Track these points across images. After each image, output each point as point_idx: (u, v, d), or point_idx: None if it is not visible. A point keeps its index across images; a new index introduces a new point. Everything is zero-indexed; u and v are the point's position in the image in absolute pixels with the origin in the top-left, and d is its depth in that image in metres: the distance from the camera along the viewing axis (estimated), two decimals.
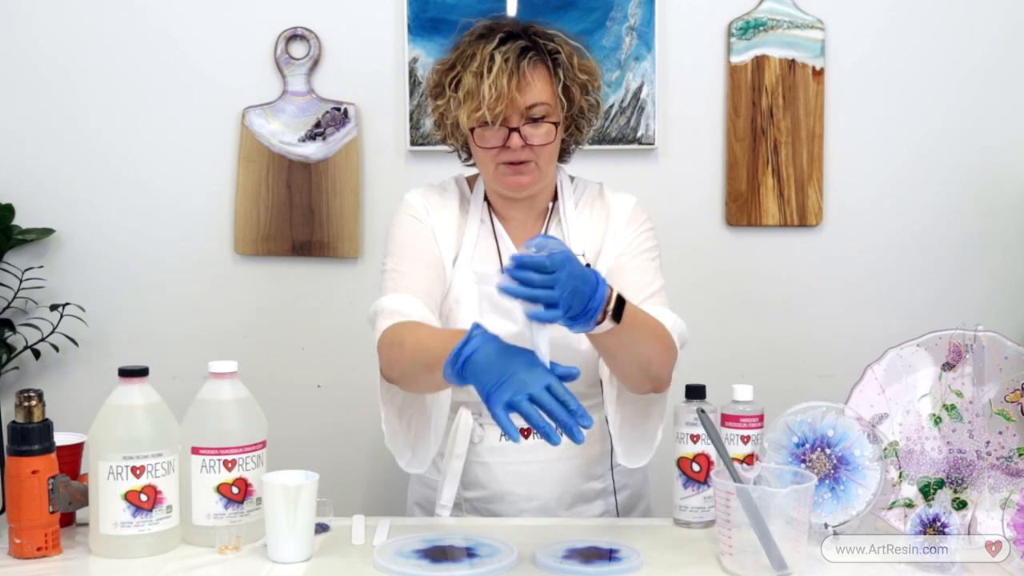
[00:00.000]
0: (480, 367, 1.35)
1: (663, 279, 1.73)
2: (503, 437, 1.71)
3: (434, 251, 1.72)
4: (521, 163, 1.65)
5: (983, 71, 2.51)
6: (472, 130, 1.65)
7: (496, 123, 1.62)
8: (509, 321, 1.67)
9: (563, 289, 1.34)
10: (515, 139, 1.63)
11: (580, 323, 1.40)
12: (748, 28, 2.49)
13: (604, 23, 2.47)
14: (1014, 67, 2.52)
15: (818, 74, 2.50)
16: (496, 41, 1.63)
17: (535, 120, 1.64)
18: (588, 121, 1.74)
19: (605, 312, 1.42)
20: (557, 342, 1.46)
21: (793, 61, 2.50)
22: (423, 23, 2.47)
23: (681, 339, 1.66)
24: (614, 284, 1.67)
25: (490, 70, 1.60)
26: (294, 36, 2.51)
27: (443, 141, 1.76)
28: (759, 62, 2.50)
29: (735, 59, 2.50)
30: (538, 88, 1.63)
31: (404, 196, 1.78)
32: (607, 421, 1.69)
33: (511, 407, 1.31)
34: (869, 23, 2.51)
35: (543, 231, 1.76)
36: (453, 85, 1.65)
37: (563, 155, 1.79)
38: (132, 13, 2.51)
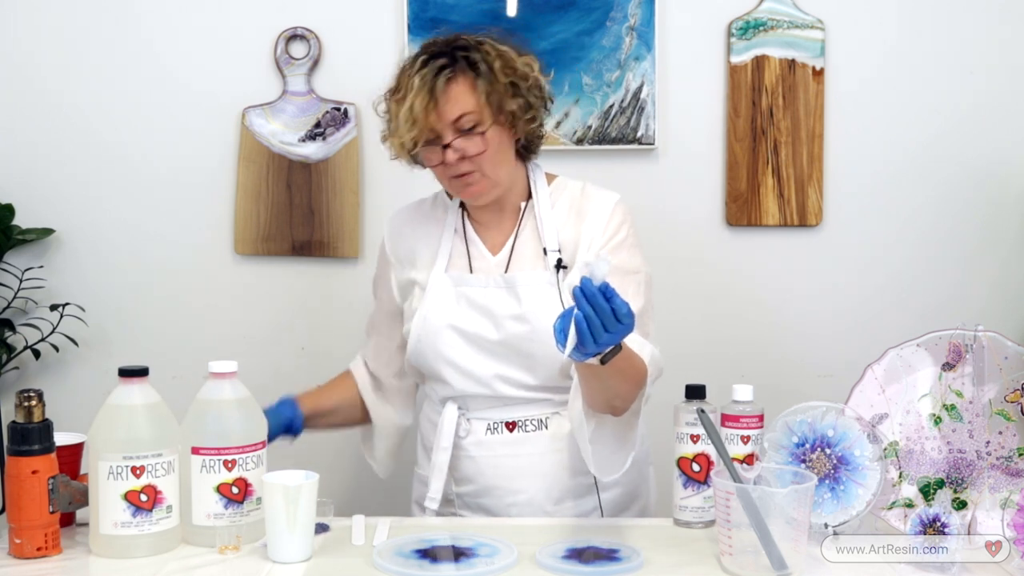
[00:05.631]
0: None
1: (643, 298, 1.73)
2: (489, 431, 1.74)
3: (393, 293, 1.85)
4: (464, 175, 1.69)
5: (983, 71, 2.51)
6: (415, 154, 1.70)
7: (419, 143, 1.67)
8: (486, 319, 1.70)
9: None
10: (449, 154, 1.68)
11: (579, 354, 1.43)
12: (748, 28, 2.49)
13: (604, 23, 2.47)
14: (1014, 67, 2.52)
15: (818, 74, 2.50)
16: (418, 65, 1.68)
17: (466, 132, 1.67)
18: (531, 118, 1.74)
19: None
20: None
21: (793, 61, 2.50)
22: (423, 23, 2.47)
23: (657, 372, 1.68)
24: None
25: (405, 98, 1.66)
26: (294, 36, 2.51)
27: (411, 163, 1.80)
28: (759, 62, 2.50)
29: (735, 59, 2.50)
30: (461, 100, 1.67)
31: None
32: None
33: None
34: (869, 23, 2.51)
35: (515, 230, 1.77)
36: (387, 116, 1.74)
37: (529, 150, 1.80)
38: (132, 13, 2.51)
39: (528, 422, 1.74)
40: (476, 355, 1.72)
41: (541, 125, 1.78)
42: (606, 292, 1.35)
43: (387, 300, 1.88)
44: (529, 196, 1.79)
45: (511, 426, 1.75)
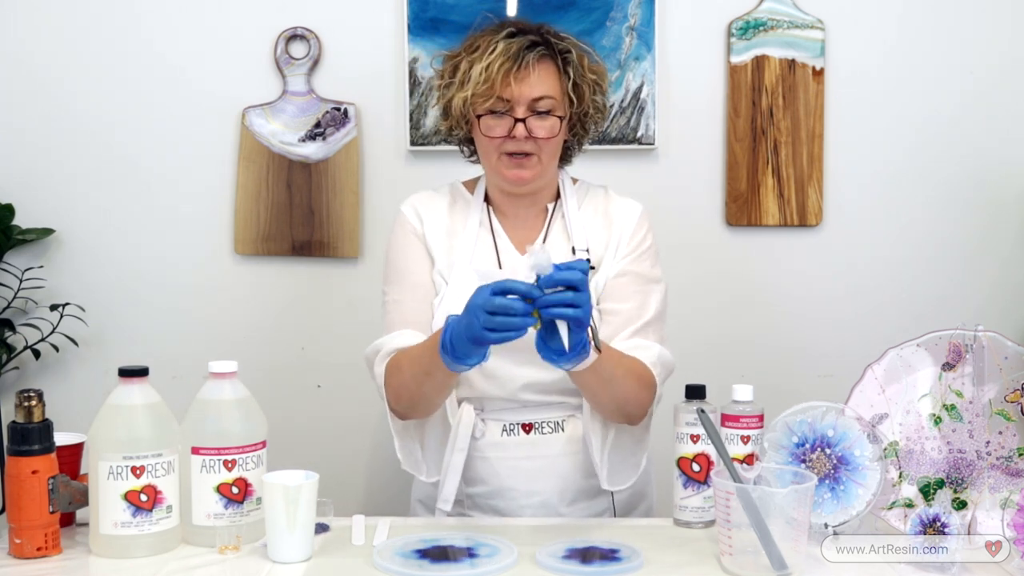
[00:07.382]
0: (458, 337, 1.47)
1: (659, 305, 1.75)
2: (504, 432, 1.73)
3: (428, 266, 1.76)
4: (524, 155, 1.68)
5: (983, 71, 2.51)
6: (480, 118, 1.68)
7: (486, 106, 1.65)
8: None
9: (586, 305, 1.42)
10: (520, 129, 1.66)
11: (572, 357, 1.47)
12: (748, 28, 2.49)
13: (604, 23, 2.47)
14: (1014, 67, 2.52)
15: (818, 74, 2.50)
16: (504, 33, 1.67)
17: (541, 113, 1.67)
18: (594, 122, 1.77)
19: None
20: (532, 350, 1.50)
21: (793, 61, 2.50)
22: (423, 23, 2.47)
23: (666, 371, 1.70)
24: (610, 304, 1.69)
25: (483, 57, 1.65)
26: (294, 36, 2.51)
27: (449, 132, 1.78)
28: (759, 62, 2.50)
29: (735, 59, 2.50)
30: (546, 83, 1.67)
31: (400, 207, 1.82)
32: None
33: (480, 341, 1.44)
34: (869, 23, 2.51)
35: (545, 229, 1.77)
36: (452, 71, 1.70)
37: (565, 157, 1.81)
38: (132, 13, 2.51)
39: (545, 424, 1.74)
40: (500, 356, 1.68)
41: (589, 134, 1.80)
42: (558, 269, 1.40)
43: (424, 276, 1.75)
44: (557, 196, 1.79)
45: (527, 428, 1.73)
